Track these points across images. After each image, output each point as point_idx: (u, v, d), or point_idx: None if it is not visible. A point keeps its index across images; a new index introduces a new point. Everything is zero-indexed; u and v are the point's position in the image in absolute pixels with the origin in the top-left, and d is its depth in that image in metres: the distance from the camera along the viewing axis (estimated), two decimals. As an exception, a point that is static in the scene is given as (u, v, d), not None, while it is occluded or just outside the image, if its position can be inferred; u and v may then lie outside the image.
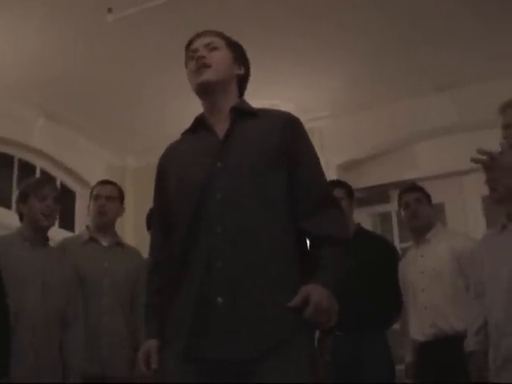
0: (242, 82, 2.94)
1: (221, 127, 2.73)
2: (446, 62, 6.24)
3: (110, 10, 5.16)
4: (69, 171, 7.49)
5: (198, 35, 2.91)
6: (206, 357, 2.45)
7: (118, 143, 7.88)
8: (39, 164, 7.21)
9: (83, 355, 4.35)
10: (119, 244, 4.94)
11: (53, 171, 7.39)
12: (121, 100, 6.77)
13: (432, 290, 4.69)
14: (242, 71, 2.91)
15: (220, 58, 2.80)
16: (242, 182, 2.56)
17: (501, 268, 3.99)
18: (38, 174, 7.10)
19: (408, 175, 6.92)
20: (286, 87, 6.46)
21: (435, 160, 6.95)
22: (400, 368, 5.05)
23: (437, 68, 6.36)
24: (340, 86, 6.71)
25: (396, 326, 5.12)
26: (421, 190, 5.08)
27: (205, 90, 2.79)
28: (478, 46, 5.97)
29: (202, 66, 2.76)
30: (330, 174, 7.07)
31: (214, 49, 2.82)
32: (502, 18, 5.50)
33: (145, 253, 5.08)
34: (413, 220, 4.99)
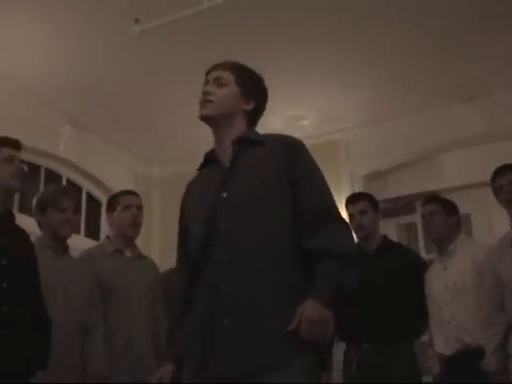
0: (252, 115, 2.99)
1: (226, 159, 2.84)
2: (473, 72, 6.23)
3: (136, 21, 5.19)
4: (95, 180, 7.53)
5: (214, 67, 3.01)
6: (216, 373, 2.57)
7: (144, 153, 7.93)
8: (65, 173, 7.25)
9: (105, 363, 4.37)
10: (141, 256, 4.97)
11: (79, 180, 7.43)
12: (147, 110, 6.81)
13: (456, 304, 4.65)
14: (250, 106, 2.96)
15: (224, 95, 2.90)
16: (246, 212, 2.69)
17: None
18: (64, 183, 7.13)
19: (433, 186, 6.91)
20: (313, 98, 6.45)
21: (461, 171, 6.93)
22: (426, 380, 5.03)
23: (463, 78, 6.35)
24: (366, 97, 6.71)
25: (423, 338, 5.09)
26: (438, 201, 5.03)
27: (206, 123, 2.94)
28: (506, 56, 5.95)
29: (205, 101, 2.90)
30: (356, 185, 7.07)
31: (222, 85, 2.92)
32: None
33: (171, 261, 5.12)
34: (426, 232, 5.00)
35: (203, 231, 2.72)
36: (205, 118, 2.90)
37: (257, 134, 2.97)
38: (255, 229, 2.65)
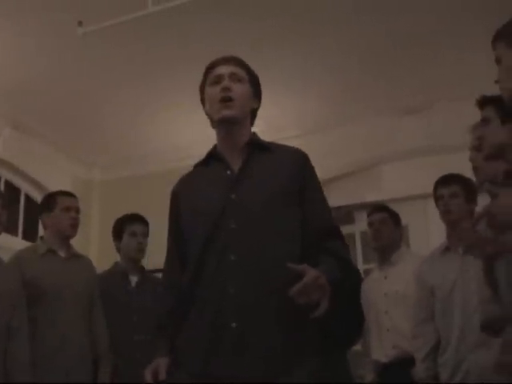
0: (255, 114, 3.04)
1: (235, 160, 2.84)
2: (416, 84, 6.31)
3: (80, 24, 5.15)
4: (34, 183, 7.43)
5: (223, 61, 2.96)
6: (223, 375, 2.55)
7: (85, 156, 7.86)
8: (4, 175, 7.15)
9: (28, 368, 4.31)
10: (76, 255, 4.92)
11: (17, 182, 7.33)
12: (90, 113, 6.76)
13: (395, 312, 4.73)
14: (257, 105, 3.01)
15: (243, 93, 2.89)
16: (256, 215, 2.68)
17: (452, 292, 4.09)
18: (2, 184, 7.03)
19: (373, 196, 6.98)
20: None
21: (401, 182, 7.00)
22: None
23: (406, 91, 6.43)
24: (309, 106, 6.75)
25: (356, 347, 5.14)
26: (387, 210, 5.13)
27: (227, 124, 2.87)
28: (445, 71, 6.04)
29: (227, 99, 2.83)
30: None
31: (239, 81, 2.89)
32: (470, 42, 5.55)
33: (109, 264, 5.12)
34: (375, 240, 5.06)
35: (210, 229, 2.69)
36: (228, 119, 2.85)
37: (262, 139, 2.99)
38: (264, 232, 2.66)
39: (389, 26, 5.40)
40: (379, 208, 5.22)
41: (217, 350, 2.57)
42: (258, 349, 2.53)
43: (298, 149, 2.97)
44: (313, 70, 6.07)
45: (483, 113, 3.20)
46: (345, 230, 7.55)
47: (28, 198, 7.50)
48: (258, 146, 2.90)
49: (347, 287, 2.75)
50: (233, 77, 2.88)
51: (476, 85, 6.07)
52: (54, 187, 6.92)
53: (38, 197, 7.53)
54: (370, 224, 5.09)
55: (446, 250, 4.33)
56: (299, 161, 2.89)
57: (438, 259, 4.34)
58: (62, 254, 4.81)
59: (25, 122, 6.91)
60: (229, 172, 2.81)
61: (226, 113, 2.83)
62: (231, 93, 2.83)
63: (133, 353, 4.78)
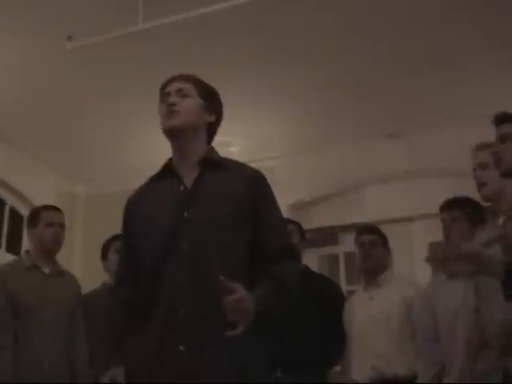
0: (212, 128, 3.01)
1: (189, 176, 2.82)
2: (400, 109, 6.34)
3: (69, 38, 5.15)
4: (19, 195, 7.42)
5: (172, 79, 2.98)
6: None
7: (70, 169, 7.83)
8: (-11, 187, 7.14)
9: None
10: (60, 272, 4.87)
11: (3, 195, 7.32)
12: (75, 127, 6.74)
13: (378, 333, 4.70)
14: (212, 118, 2.98)
15: (189, 106, 2.88)
16: (208, 235, 2.66)
17: (455, 315, 4.06)
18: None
19: (357, 219, 6.98)
20: (242, 124, 6.43)
21: (384, 205, 7.02)
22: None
23: (390, 114, 6.45)
24: (296, 126, 6.76)
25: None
26: (377, 232, 5.10)
27: (172, 135, 2.87)
28: (433, 95, 6.08)
29: (171, 112, 2.84)
30: (281, 214, 7.09)
31: (185, 96, 2.90)
32: (453, 70, 5.59)
33: (93, 281, 5.08)
34: (365, 261, 5.00)
35: (161, 251, 2.68)
36: (172, 130, 2.85)
37: (219, 155, 2.98)
38: (215, 253, 2.63)
39: (375, 56, 5.42)
40: (370, 229, 5.19)
41: (162, 373, 2.56)
42: (207, 371, 2.52)
43: (253, 169, 2.95)
44: (301, 91, 6.08)
45: (501, 129, 3.18)
46: (329, 250, 7.67)
47: (12, 211, 7.49)
48: (212, 163, 2.88)
49: (280, 312, 2.73)
50: (179, 93, 2.90)
51: (461, 113, 6.17)
52: (38, 200, 6.93)
53: (22, 210, 7.53)
54: (361, 244, 5.04)
55: (451, 276, 4.28)
56: (253, 181, 2.86)
57: (442, 285, 4.30)
58: (46, 269, 4.74)
59: (10, 134, 6.89)
60: (182, 187, 2.81)
61: (170, 123, 2.84)
62: (176, 107, 2.85)
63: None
